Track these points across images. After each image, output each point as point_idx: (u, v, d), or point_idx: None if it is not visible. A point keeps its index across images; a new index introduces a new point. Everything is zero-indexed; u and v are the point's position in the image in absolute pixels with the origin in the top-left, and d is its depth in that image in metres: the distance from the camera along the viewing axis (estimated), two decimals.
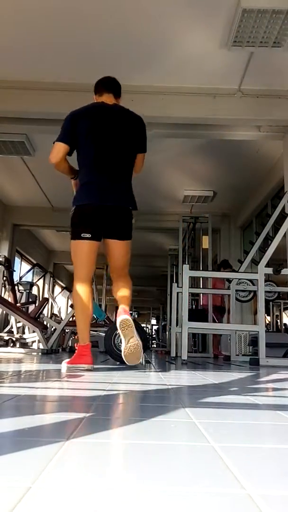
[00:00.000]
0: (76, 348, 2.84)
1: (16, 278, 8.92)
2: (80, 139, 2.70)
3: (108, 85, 2.94)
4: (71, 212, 2.72)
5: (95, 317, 7.18)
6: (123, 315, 2.66)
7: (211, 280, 7.24)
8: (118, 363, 3.75)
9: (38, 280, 11.84)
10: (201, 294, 7.85)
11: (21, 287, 8.71)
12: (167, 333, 11.80)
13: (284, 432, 0.98)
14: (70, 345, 7.21)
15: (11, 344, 6.64)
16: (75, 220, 2.67)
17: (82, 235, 2.63)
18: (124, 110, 2.86)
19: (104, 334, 5.13)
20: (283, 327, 11.83)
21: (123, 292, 2.85)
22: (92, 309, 2.76)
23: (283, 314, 12.66)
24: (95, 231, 2.64)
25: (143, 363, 4.13)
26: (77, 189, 2.75)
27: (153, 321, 23.74)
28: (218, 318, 7.28)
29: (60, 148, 2.68)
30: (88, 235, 2.61)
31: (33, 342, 6.58)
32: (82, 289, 2.68)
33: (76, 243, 2.67)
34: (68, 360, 2.77)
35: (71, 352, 6.26)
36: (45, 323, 6.77)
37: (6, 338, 6.74)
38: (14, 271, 8.30)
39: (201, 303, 7.58)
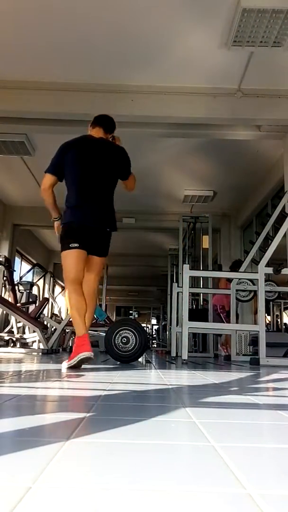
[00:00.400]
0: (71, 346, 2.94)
1: (16, 278, 8.93)
2: (68, 167, 3.08)
3: (101, 120, 3.31)
4: (61, 233, 3.08)
5: (95, 317, 7.18)
6: (83, 352, 2.75)
7: (216, 281, 7.16)
8: (118, 362, 3.75)
9: (38, 280, 11.84)
10: (210, 294, 7.77)
11: (21, 287, 8.72)
12: (167, 333, 11.81)
13: (284, 432, 0.98)
14: (70, 345, 7.21)
15: (12, 344, 6.64)
16: (63, 235, 3.02)
17: (70, 245, 2.96)
18: (107, 143, 3.23)
19: (104, 334, 5.13)
20: (284, 326, 11.83)
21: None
22: (86, 304, 2.96)
23: (284, 313, 12.66)
24: (82, 243, 2.96)
25: (144, 363, 4.13)
26: (64, 211, 3.08)
27: (154, 321, 23.74)
28: (225, 319, 7.24)
29: (48, 178, 3.11)
30: (76, 245, 2.94)
31: (33, 342, 6.58)
32: (73, 287, 2.94)
33: (66, 253, 2.98)
34: (67, 360, 2.85)
35: (71, 352, 6.26)
36: (45, 323, 6.77)
37: (7, 338, 6.74)
38: (14, 271, 8.31)
39: (212, 303, 7.53)
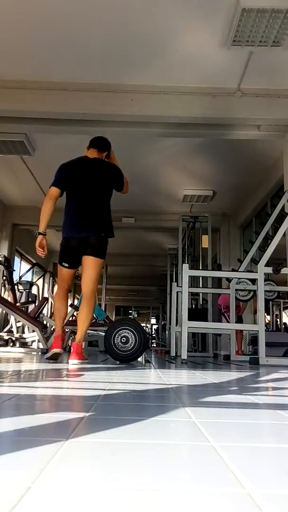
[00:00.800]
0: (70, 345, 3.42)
1: (16, 278, 8.92)
2: (67, 186, 3.51)
3: (94, 142, 3.71)
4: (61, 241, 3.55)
5: (94, 316, 7.17)
6: (70, 360, 3.29)
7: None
8: (118, 362, 3.75)
9: (38, 279, 11.82)
10: (209, 294, 7.72)
11: (20, 287, 8.71)
12: (166, 332, 11.81)
13: (284, 431, 0.98)
14: (69, 344, 7.20)
15: (11, 344, 6.64)
16: (61, 249, 3.50)
17: (62, 263, 3.48)
18: (100, 161, 3.62)
19: (103, 334, 5.13)
20: (283, 326, 11.84)
21: (80, 315, 3.51)
22: (66, 310, 3.67)
23: (283, 313, 12.67)
24: (72, 262, 3.46)
25: (143, 362, 4.13)
26: (63, 223, 3.49)
27: (153, 321, 23.77)
28: (229, 318, 7.20)
29: (54, 191, 3.51)
30: (66, 265, 3.47)
31: (32, 341, 6.58)
32: (57, 294, 3.62)
33: (59, 267, 3.54)
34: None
35: (70, 351, 6.26)
36: (44, 322, 6.77)
37: (6, 337, 6.74)
38: (14, 270, 8.30)
39: (217, 302, 7.49)
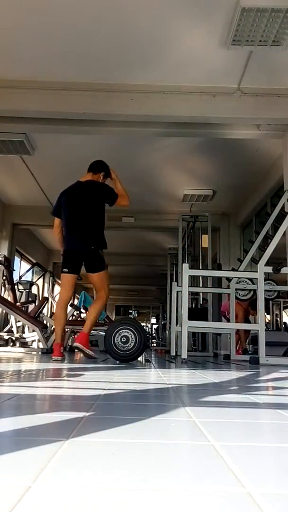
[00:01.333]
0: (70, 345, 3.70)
1: (15, 278, 8.91)
2: (62, 208, 3.99)
3: (90, 165, 4.13)
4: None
5: None
6: (75, 344, 3.82)
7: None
8: (118, 362, 3.75)
9: (38, 279, 11.82)
10: (209, 293, 7.71)
11: (20, 287, 8.70)
12: (167, 332, 11.81)
13: (284, 431, 0.98)
14: (70, 344, 7.21)
15: (11, 344, 6.64)
16: (63, 260, 3.96)
17: (63, 270, 3.90)
18: (89, 183, 4.02)
19: (104, 333, 5.13)
20: (283, 325, 11.84)
21: (88, 315, 4.03)
22: (66, 319, 4.03)
23: (283, 312, 12.68)
24: (72, 268, 3.89)
25: (143, 362, 4.14)
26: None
27: (153, 320, 23.76)
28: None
29: (55, 220, 4.08)
30: (66, 270, 3.89)
31: (33, 341, 6.58)
32: (59, 302, 3.93)
33: (62, 276, 3.93)
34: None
35: (71, 351, 6.26)
36: (44, 322, 6.77)
37: (6, 337, 6.74)
38: (14, 270, 8.29)
39: (221, 309, 7.49)
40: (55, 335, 3.93)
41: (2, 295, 6.99)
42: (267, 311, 9.59)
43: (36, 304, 8.16)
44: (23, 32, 4.34)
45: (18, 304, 7.48)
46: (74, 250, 3.89)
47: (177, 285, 5.90)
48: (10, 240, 9.60)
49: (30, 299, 8.63)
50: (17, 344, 6.56)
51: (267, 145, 6.24)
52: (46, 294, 11.43)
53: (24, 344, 6.63)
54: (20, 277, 9.69)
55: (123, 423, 0.98)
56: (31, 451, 0.72)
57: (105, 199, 3.99)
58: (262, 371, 3.19)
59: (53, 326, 6.32)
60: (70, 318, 6.11)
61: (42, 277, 12.13)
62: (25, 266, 11.82)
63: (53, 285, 13.75)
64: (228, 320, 6.93)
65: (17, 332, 6.71)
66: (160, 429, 0.95)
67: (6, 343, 6.68)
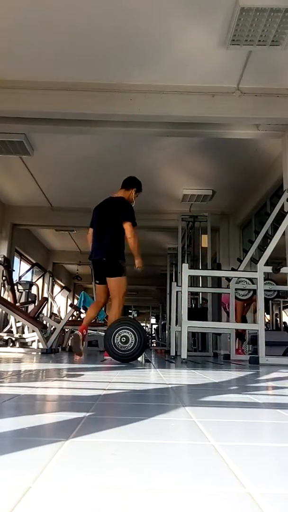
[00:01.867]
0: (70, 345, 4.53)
1: (15, 278, 8.92)
2: (93, 222, 4.59)
3: (123, 182, 4.67)
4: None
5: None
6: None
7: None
8: (118, 362, 3.75)
9: (38, 279, 11.83)
10: (209, 293, 7.71)
11: (20, 287, 8.70)
12: (166, 332, 11.81)
13: (284, 431, 0.98)
14: (69, 344, 7.21)
15: (11, 344, 6.63)
16: (92, 270, 4.56)
17: (95, 281, 4.52)
18: (116, 199, 4.52)
19: (103, 333, 5.13)
20: (283, 325, 11.84)
21: (109, 315, 4.46)
22: (94, 316, 4.62)
23: (283, 312, 12.67)
24: (99, 278, 4.47)
25: (143, 362, 4.14)
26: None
27: (153, 320, 23.77)
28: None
29: (88, 230, 4.66)
30: (98, 282, 4.49)
31: (32, 341, 6.58)
32: (92, 306, 4.66)
33: (94, 285, 4.59)
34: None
35: (70, 351, 6.26)
36: (44, 322, 6.76)
37: (6, 337, 6.74)
38: (14, 270, 8.30)
39: (222, 300, 7.47)
40: (83, 323, 4.53)
41: (1, 295, 6.99)
42: (267, 311, 9.58)
43: (36, 304, 8.17)
44: (23, 32, 4.34)
45: (17, 304, 7.48)
46: (92, 259, 4.47)
47: (177, 285, 5.90)
48: (10, 240, 9.59)
49: (29, 299, 8.63)
50: (17, 345, 6.56)
51: (267, 145, 6.24)
52: (45, 295, 11.44)
53: (24, 345, 6.62)
54: (20, 278, 9.70)
55: (123, 423, 0.98)
56: (31, 451, 0.72)
57: (118, 213, 4.39)
58: (262, 371, 3.19)
59: (53, 327, 6.33)
60: (70, 318, 6.09)
61: (41, 278, 12.14)
62: (25, 266, 11.82)
63: (53, 286, 13.75)
64: (227, 313, 6.94)
65: (17, 333, 6.70)
66: (160, 429, 0.95)
67: (5, 343, 6.68)
